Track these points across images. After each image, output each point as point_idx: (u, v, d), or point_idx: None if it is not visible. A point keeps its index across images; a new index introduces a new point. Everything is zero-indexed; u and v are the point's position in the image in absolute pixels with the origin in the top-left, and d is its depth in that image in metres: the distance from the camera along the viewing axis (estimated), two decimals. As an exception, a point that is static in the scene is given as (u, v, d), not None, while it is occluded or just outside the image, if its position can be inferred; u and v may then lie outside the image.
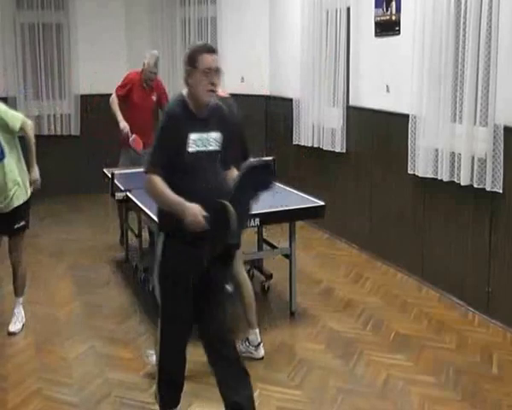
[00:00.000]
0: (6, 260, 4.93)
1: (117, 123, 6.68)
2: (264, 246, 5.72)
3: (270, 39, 8.74)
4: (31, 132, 4.67)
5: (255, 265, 5.90)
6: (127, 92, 6.76)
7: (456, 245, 5.36)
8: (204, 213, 2.97)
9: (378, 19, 6.27)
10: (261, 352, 4.47)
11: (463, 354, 4.51)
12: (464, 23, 4.99)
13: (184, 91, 3.21)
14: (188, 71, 3.15)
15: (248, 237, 4.90)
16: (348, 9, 6.78)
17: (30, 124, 4.71)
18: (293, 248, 5.07)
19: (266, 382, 4.15)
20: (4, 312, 5.17)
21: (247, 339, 4.47)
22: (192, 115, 3.17)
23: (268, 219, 4.80)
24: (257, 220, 4.63)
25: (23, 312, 4.99)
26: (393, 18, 6.03)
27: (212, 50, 3.14)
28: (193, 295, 3.29)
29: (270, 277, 5.65)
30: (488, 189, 4.85)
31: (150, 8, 9.27)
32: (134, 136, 6.54)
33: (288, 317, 5.11)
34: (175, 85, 9.09)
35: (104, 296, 5.62)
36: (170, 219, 3.13)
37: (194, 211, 2.98)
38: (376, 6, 6.28)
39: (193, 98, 3.17)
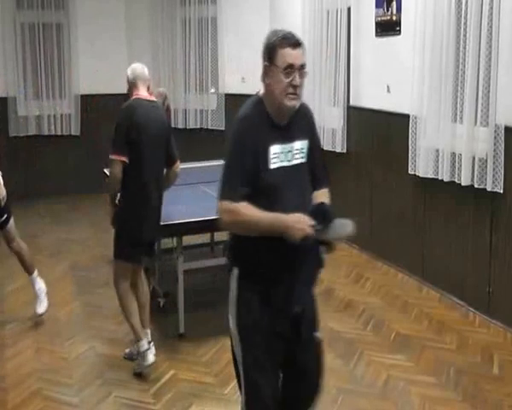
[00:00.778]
0: (5, 259, 4.93)
1: None
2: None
3: (270, 39, 8.73)
4: None
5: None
6: None
7: (457, 245, 5.36)
8: (311, 222, 2.44)
9: (379, 19, 6.27)
10: (150, 359, 4.21)
11: (464, 354, 4.51)
12: (465, 23, 4.98)
13: (261, 91, 2.61)
14: (265, 67, 2.57)
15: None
16: (349, 9, 6.77)
17: None
18: (293, 248, 5.05)
19: (267, 382, 4.14)
20: (4, 312, 5.17)
21: (137, 342, 4.21)
22: (271, 122, 2.55)
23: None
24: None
25: (42, 283, 5.05)
26: (394, 18, 6.03)
27: (296, 43, 2.52)
28: (278, 346, 2.67)
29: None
30: (489, 189, 4.84)
31: (150, 7, 9.27)
32: None
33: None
34: (175, 86, 9.11)
35: (104, 297, 5.61)
36: (246, 252, 2.59)
37: (297, 218, 2.43)
38: (377, 6, 6.28)
39: (270, 101, 2.55)
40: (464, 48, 5.02)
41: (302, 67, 2.52)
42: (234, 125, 2.58)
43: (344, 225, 2.53)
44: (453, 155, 5.21)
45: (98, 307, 5.40)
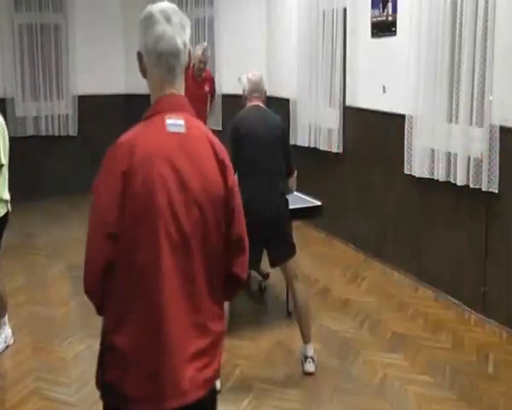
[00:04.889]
0: (4, 260, 4.93)
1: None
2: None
3: (266, 40, 8.75)
4: None
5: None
6: None
7: (452, 245, 5.38)
8: None
9: (374, 19, 6.29)
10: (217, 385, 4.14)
11: (459, 353, 4.53)
12: (460, 24, 5.01)
13: None
14: None
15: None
16: (345, 10, 6.80)
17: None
18: (290, 248, 5.07)
19: (263, 381, 4.17)
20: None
21: None
22: None
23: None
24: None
25: (9, 331, 4.69)
26: (390, 19, 6.05)
27: None
28: None
29: (266, 276, 5.66)
30: (484, 189, 4.87)
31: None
32: None
33: (285, 316, 5.13)
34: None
35: (102, 296, 5.62)
36: None
37: None
38: (373, 7, 6.30)
39: None
40: (459, 48, 5.04)
41: None
42: None
43: None
44: (448, 154, 5.23)
45: (96, 306, 5.40)
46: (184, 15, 2.06)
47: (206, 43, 7.44)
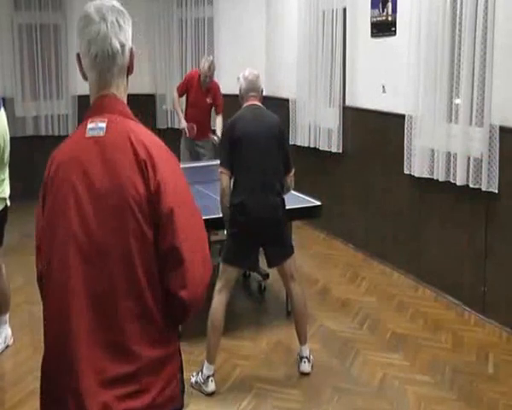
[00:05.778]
0: (3, 260, 4.91)
1: None
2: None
3: (266, 40, 8.75)
4: None
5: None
6: (186, 89, 7.29)
7: (452, 245, 5.38)
8: None
9: (374, 19, 6.29)
10: (211, 386, 4.07)
11: (459, 353, 4.53)
12: (460, 23, 5.01)
13: None
14: None
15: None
16: (344, 10, 6.80)
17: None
18: (289, 248, 5.07)
19: (263, 381, 4.16)
20: (1, 312, 5.16)
21: (201, 370, 4.10)
22: None
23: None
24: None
25: (9, 331, 4.71)
26: (389, 18, 6.05)
27: None
28: None
29: (266, 276, 5.66)
30: (484, 189, 4.87)
31: (147, 8, 9.28)
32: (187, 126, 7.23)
33: (285, 316, 5.12)
34: (172, 87, 9.11)
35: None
36: None
37: None
38: (372, 7, 6.30)
39: None
40: (459, 48, 5.04)
41: None
42: None
43: None
44: (448, 154, 5.23)
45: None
46: (124, 12, 1.93)
47: (211, 57, 7.30)
